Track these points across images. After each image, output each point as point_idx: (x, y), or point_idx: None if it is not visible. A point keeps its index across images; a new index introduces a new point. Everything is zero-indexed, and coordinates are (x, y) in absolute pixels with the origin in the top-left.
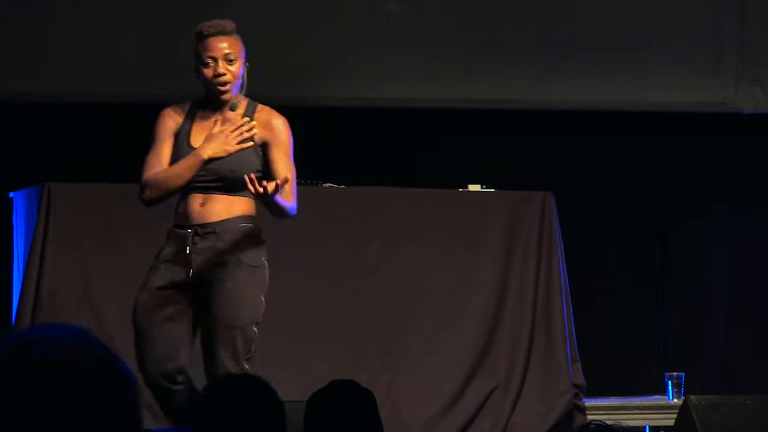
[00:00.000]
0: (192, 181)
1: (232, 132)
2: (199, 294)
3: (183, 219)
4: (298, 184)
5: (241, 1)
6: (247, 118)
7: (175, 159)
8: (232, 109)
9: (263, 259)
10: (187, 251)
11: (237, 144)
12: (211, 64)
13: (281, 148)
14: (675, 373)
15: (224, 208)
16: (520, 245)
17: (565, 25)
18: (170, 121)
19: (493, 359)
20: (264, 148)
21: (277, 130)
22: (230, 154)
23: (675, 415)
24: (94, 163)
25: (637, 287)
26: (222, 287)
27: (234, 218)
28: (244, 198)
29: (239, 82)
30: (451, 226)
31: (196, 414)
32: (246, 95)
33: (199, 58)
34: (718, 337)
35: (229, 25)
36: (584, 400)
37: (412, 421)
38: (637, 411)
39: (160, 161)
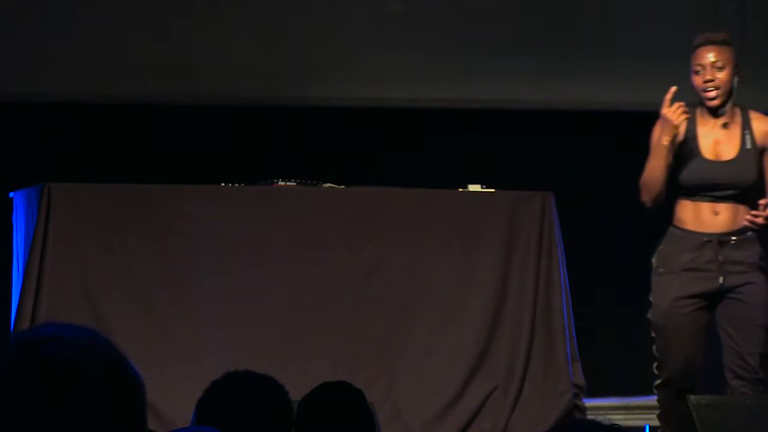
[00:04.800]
0: (704, 189)
1: (671, 111)
2: (717, 299)
3: (699, 226)
4: (297, 184)
5: (241, 1)
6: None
7: (682, 163)
8: (723, 114)
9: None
10: (719, 259)
11: (682, 116)
12: (700, 71)
13: None
14: None
15: (737, 216)
16: (520, 245)
17: (565, 25)
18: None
19: (493, 359)
20: (762, 154)
21: None
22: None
23: None
24: (94, 163)
25: (637, 287)
26: (742, 289)
27: (746, 227)
28: (747, 205)
29: (730, 90)
30: (451, 226)
31: (206, 412)
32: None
33: (691, 69)
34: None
35: (719, 36)
36: (584, 400)
37: (412, 421)
38: (637, 411)
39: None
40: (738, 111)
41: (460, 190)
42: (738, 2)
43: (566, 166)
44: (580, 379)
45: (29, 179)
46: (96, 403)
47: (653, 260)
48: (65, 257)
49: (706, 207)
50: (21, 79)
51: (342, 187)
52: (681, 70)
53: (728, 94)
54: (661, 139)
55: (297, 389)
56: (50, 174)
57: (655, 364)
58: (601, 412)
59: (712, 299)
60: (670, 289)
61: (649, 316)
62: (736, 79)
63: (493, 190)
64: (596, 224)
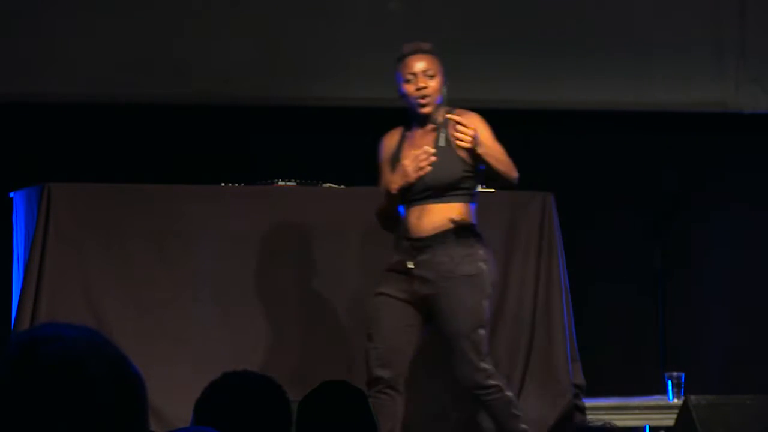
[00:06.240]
0: (406, 194)
1: (411, 162)
2: (424, 306)
3: (405, 231)
4: (297, 184)
5: (241, 2)
6: (429, 149)
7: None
8: (433, 122)
9: (480, 264)
10: (408, 265)
11: (419, 171)
12: (411, 80)
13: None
14: (675, 373)
15: (438, 219)
16: (520, 245)
17: (565, 25)
18: (385, 149)
19: (493, 359)
20: (466, 149)
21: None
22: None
23: (675, 415)
24: (94, 163)
25: (637, 287)
26: (439, 301)
27: (448, 230)
28: (459, 205)
29: (439, 97)
30: None
31: (204, 413)
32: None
33: (401, 78)
34: (718, 337)
35: (427, 45)
36: (584, 400)
37: (412, 421)
38: (637, 411)
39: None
40: (443, 113)
41: None
42: (738, 2)
43: (566, 166)
44: (580, 379)
45: (29, 179)
46: (97, 403)
47: None
48: (65, 257)
49: (411, 212)
50: (21, 79)
51: (342, 187)
52: (681, 69)
53: (438, 102)
54: (392, 184)
55: (297, 389)
56: (50, 174)
57: None
58: (601, 412)
59: (417, 302)
60: (382, 286)
61: None
62: (445, 87)
63: (493, 190)
64: (596, 224)
